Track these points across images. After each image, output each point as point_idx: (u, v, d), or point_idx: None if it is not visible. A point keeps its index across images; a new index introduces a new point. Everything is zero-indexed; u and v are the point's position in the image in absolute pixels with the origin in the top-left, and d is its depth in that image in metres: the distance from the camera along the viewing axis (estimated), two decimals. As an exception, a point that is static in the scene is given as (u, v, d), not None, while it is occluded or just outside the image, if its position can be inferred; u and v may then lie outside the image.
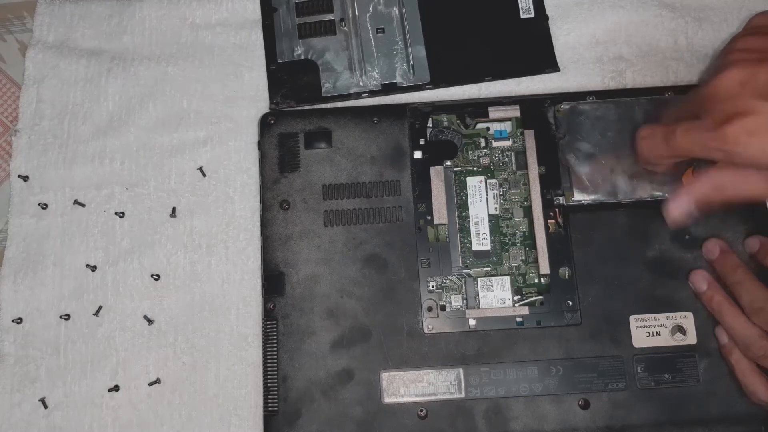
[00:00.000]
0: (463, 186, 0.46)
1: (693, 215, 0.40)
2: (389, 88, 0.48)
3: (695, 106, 0.38)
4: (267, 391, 0.42)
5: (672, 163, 0.41)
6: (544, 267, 0.44)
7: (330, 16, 0.49)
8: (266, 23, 0.50)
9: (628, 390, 0.42)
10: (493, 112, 0.47)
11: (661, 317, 0.43)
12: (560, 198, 0.45)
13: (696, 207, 0.39)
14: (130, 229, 0.47)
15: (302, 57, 0.49)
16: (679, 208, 0.40)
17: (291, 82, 0.48)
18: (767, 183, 0.37)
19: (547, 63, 0.48)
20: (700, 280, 0.42)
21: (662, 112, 0.42)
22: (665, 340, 0.43)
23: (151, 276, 0.46)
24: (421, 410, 0.42)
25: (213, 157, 0.48)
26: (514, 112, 0.47)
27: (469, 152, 0.46)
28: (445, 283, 0.44)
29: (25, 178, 0.47)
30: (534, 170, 0.45)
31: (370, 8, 0.49)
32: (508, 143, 0.46)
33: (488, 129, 0.47)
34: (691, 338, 0.43)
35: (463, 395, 0.42)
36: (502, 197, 0.46)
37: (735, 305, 0.41)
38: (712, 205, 0.39)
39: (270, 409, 0.42)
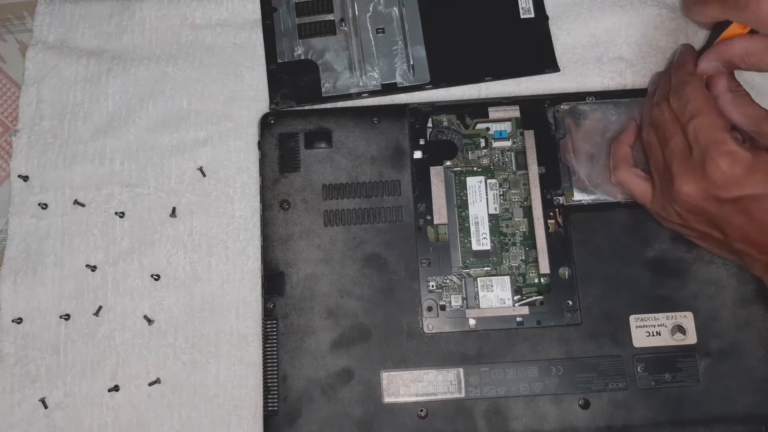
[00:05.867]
0: (463, 186, 0.46)
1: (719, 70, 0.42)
2: (389, 88, 0.48)
3: None
4: (267, 390, 0.42)
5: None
6: (544, 267, 0.44)
7: (330, 16, 0.49)
8: (266, 23, 0.50)
9: (628, 390, 0.42)
10: (493, 113, 0.47)
11: (661, 317, 0.43)
12: (560, 198, 0.45)
13: (723, 66, 0.41)
14: (130, 229, 0.47)
15: (302, 57, 0.49)
16: (708, 63, 0.42)
17: (291, 82, 0.48)
18: None
19: (547, 63, 0.48)
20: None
21: None
22: (665, 339, 0.43)
23: (151, 276, 0.46)
24: (421, 410, 0.42)
25: (213, 157, 0.48)
26: (514, 112, 0.47)
27: (469, 152, 0.46)
28: (445, 282, 0.44)
29: (25, 178, 0.47)
30: (534, 170, 0.45)
31: (370, 8, 0.49)
32: (508, 143, 0.46)
33: (488, 129, 0.47)
34: (691, 338, 0.43)
35: (463, 395, 0.42)
36: (502, 197, 0.46)
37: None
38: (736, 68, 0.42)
39: (270, 408, 0.42)
